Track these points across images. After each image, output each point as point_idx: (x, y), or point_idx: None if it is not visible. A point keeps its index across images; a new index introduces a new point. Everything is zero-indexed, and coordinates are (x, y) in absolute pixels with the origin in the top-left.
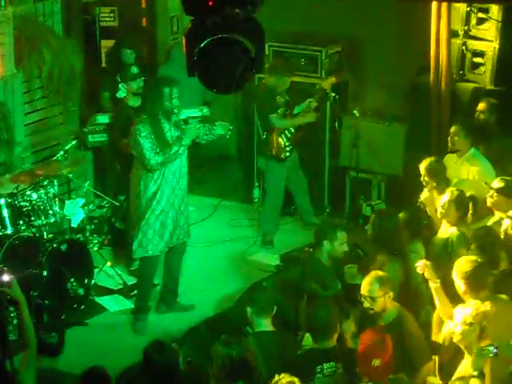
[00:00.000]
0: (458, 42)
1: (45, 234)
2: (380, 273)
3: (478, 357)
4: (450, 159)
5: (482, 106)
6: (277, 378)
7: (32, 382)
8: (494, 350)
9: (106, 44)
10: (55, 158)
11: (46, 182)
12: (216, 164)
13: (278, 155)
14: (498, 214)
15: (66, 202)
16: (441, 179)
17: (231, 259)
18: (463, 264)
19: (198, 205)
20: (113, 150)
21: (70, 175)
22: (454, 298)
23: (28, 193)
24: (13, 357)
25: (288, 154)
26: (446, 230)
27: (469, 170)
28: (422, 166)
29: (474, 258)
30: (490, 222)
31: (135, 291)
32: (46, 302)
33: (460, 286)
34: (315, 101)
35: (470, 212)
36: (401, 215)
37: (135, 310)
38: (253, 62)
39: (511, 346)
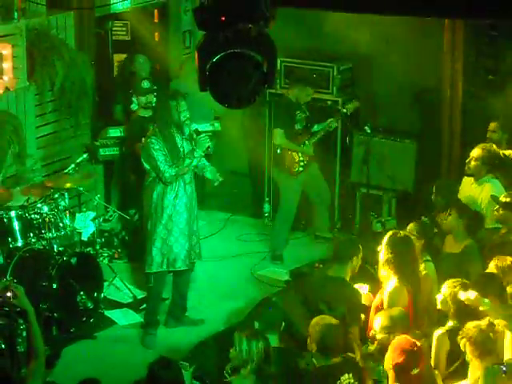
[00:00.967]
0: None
1: (55, 246)
2: (394, 313)
3: (488, 375)
4: (466, 181)
5: (493, 125)
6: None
7: None
8: (504, 369)
9: (119, 58)
10: (66, 170)
11: (56, 195)
12: (226, 178)
13: (291, 169)
14: (504, 228)
15: (77, 215)
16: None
17: (241, 274)
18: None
19: (207, 219)
20: (127, 161)
21: (81, 188)
22: None
23: (39, 205)
24: (21, 368)
25: (301, 168)
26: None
27: (482, 192)
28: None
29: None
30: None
31: (144, 305)
32: (56, 314)
33: None
34: (335, 121)
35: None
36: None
37: (144, 324)
38: (265, 77)
39: None
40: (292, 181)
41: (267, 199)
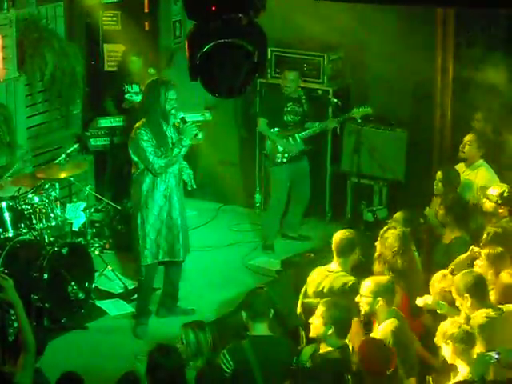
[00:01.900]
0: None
1: (46, 237)
2: (382, 279)
3: (480, 363)
4: (459, 168)
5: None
6: None
7: None
8: (496, 356)
9: (109, 48)
10: (57, 161)
11: (47, 186)
12: (218, 168)
13: (273, 159)
14: (494, 219)
15: (68, 205)
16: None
17: (232, 264)
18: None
19: (199, 209)
20: (120, 151)
21: (72, 179)
22: None
23: (29, 196)
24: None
25: (285, 159)
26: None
27: (475, 178)
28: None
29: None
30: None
31: (136, 295)
32: (47, 305)
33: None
34: (335, 122)
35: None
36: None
37: (136, 314)
38: (255, 66)
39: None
40: (278, 170)
41: (258, 189)
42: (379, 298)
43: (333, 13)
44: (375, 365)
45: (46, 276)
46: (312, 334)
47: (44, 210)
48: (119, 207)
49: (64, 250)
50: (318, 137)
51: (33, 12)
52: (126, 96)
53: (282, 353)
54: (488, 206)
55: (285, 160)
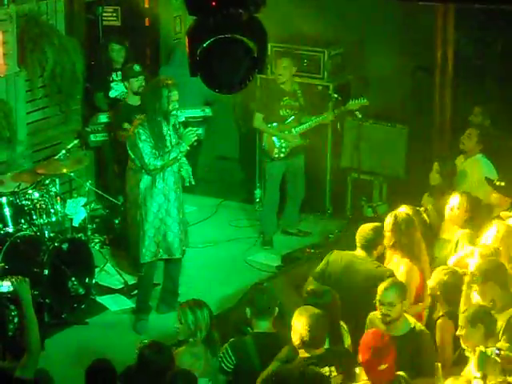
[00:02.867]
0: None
1: (46, 232)
2: (397, 279)
3: (481, 358)
4: (459, 160)
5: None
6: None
7: None
8: (496, 352)
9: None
10: (57, 156)
11: (47, 181)
12: (218, 164)
13: (270, 153)
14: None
15: (68, 201)
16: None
17: (232, 259)
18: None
19: (199, 205)
20: (111, 150)
21: (72, 174)
22: None
23: (30, 191)
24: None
25: (283, 154)
26: (453, 233)
27: (474, 171)
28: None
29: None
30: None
31: (136, 291)
32: (47, 300)
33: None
34: (331, 115)
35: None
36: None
37: (136, 310)
38: (255, 62)
39: None
40: (273, 165)
41: (258, 185)
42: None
43: (333, 8)
44: (367, 354)
45: (46, 271)
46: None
47: (44, 206)
48: (119, 202)
49: (64, 246)
50: (317, 132)
51: (33, 7)
52: (111, 85)
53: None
54: (492, 197)
55: (282, 155)
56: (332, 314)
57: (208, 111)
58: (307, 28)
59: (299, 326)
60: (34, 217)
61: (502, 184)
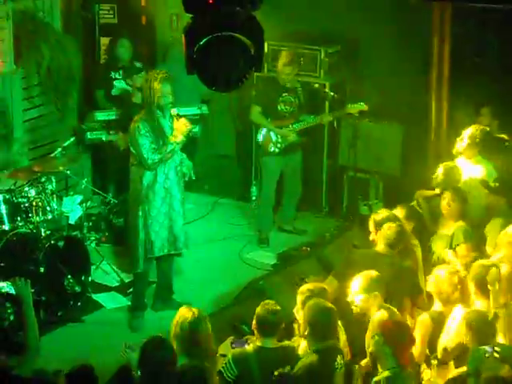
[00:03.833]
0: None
1: (42, 230)
2: (372, 273)
3: (474, 357)
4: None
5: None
6: None
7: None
8: (490, 350)
9: (105, 41)
10: (53, 154)
11: (43, 179)
12: (214, 162)
13: (266, 148)
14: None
15: (64, 198)
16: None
17: (228, 257)
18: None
19: (195, 202)
20: (112, 147)
21: (68, 172)
22: None
23: (26, 189)
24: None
25: (278, 150)
26: (449, 227)
27: (473, 173)
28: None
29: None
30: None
31: (132, 288)
32: (43, 298)
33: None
34: (330, 116)
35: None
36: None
37: (132, 308)
38: (252, 60)
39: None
40: (269, 160)
41: (254, 182)
42: (376, 293)
43: (330, 6)
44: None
45: (42, 269)
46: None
47: (40, 204)
48: (116, 200)
49: (60, 244)
50: (314, 130)
51: (29, 5)
52: (114, 83)
53: (287, 364)
54: (489, 199)
55: (277, 150)
56: None
57: (204, 109)
58: (304, 26)
59: (309, 318)
60: (30, 214)
61: (497, 185)
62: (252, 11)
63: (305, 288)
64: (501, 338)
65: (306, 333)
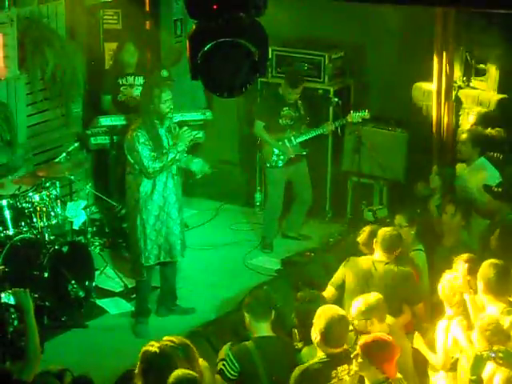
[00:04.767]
0: (461, 48)
1: (46, 235)
2: (371, 299)
3: (477, 362)
4: (460, 168)
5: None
6: None
7: None
8: (492, 355)
9: (110, 46)
10: (57, 159)
11: (48, 184)
12: (218, 167)
13: (268, 160)
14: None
15: (68, 203)
16: None
17: (232, 263)
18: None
19: (199, 208)
20: (117, 152)
21: (72, 177)
22: None
23: (30, 194)
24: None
25: (281, 162)
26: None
27: (476, 178)
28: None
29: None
30: None
31: (135, 294)
32: (47, 303)
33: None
34: (332, 126)
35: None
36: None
37: (135, 313)
38: (256, 65)
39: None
40: (274, 172)
41: (259, 188)
42: (373, 319)
43: (334, 12)
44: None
45: (46, 274)
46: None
47: (44, 209)
48: (119, 206)
49: (64, 249)
50: (318, 137)
51: (34, 10)
52: (121, 89)
53: (287, 353)
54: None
55: (280, 163)
56: None
57: (209, 115)
58: (308, 32)
59: (320, 324)
60: (35, 220)
61: (500, 190)
62: (256, 17)
63: (299, 295)
64: None
65: (316, 339)
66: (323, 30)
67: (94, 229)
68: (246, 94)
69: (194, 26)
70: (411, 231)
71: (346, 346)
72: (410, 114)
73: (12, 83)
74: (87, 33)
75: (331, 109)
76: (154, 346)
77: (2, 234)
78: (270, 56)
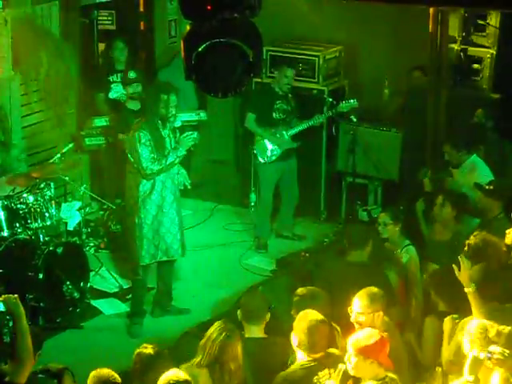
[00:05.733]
0: (455, 47)
1: (41, 236)
2: (374, 289)
3: (473, 362)
4: (454, 174)
5: (479, 111)
6: None
7: None
8: (488, 355)
9: (104, 47)
10: (52, 160)
11: (42, 185)
12: (212, 168)
13: (262, 155)
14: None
15: (63, 204)
16: None
17: (227, 263)
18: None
19: (194, 209)
20: (110, 152)
21: (67, 178)
22: None
23: (24, 195)
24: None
25: (274, 157)
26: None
27: (468, 178)
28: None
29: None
30: None
31: (131, 295)
32: (42, 304)
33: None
34: (322, 117)
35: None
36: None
37: (130, 314)
38: (250, 66)
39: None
40: (265, 168)
41: (253, 189)
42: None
43: (328, 12)
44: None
45: (41, 275)
46: None
47: (39, 210)
48: (114, 206)
49: (59, 250)
50: (312, 136)
51: (28, 11)
52: (111, 86)
53: (274, 355)
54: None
55: (274, 158)
56: (324, 316)
57: (203, 115)
58: (302, 32)
59: (300, 329)
60: (29, 221)
61: (491, 188)
62: (250, 17)
63: (299, 290)
64: None
65: (297, 344)
66: (317, 30)
67: (89, 230)
68: (241, 95)
69: (188, 27)
70: (396, 228)
71: (330, 350)
72: (404, 113)
73: (6, 84)
74: (81, 34)
75: (325, 109)
76: (148, 348)
77: None
78: (264, 56)
